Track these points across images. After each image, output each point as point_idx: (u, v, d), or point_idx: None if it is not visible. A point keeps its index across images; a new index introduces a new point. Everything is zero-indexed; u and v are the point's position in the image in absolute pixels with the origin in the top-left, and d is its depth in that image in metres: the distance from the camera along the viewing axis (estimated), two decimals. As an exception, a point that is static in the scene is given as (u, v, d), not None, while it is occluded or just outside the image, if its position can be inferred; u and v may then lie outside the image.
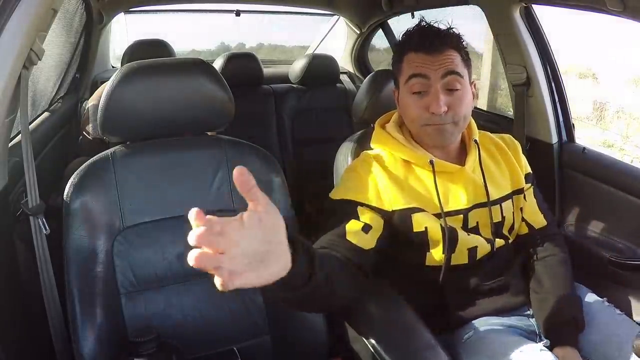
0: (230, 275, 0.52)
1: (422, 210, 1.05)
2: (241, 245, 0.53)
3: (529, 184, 1.20)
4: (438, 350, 0.92)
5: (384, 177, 1.07)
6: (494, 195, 1.11)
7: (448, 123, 1.05)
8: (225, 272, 0.52)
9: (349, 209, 1.03)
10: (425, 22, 1.09)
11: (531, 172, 1.22)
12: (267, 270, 0.58)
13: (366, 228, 1.01)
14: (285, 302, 0.86)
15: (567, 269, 1.14)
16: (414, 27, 1.10)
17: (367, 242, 1.00)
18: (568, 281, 1.11)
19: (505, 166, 1.17)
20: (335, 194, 1.09)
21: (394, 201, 1.05)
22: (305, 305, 0.91)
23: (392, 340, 0.95)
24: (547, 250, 1.16)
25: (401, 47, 1.10)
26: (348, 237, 0.98)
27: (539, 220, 1.19)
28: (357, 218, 1.01)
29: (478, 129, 1.18)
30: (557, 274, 1.12)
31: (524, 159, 1.22)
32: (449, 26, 1.09)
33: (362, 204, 1.03)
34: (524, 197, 1.17)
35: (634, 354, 0.80)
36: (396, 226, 1.05)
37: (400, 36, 1.12)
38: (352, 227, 1.00)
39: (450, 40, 1.06)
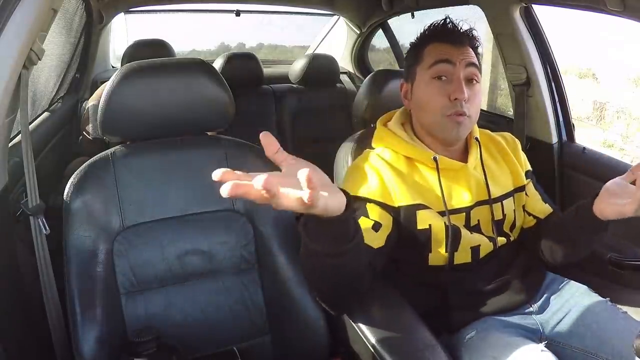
0: (314, 192, 0.59)
1: (427, 208, 1.05)
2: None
3: (529, 180, 1.20)
4: (438, 351, 0.91)
5: (390, 173, 1.07)
6: (496, 193, 1.11)
7: (466, 115, 1.06)
8: (311, 193, 0.58)
9: (357, 205, 1.03)
10: (450, 19, 1.12)
11: (531, 169, 1.22)
12: (333, 199, 0.67)
13: (376, 226, 1.01)
14: (326, 260, 0.81)
15: None
16: (439, 21, 1.13)
17: (377, 240, 1.00)
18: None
19: (505, 164, 1.18)
20: None
21: (400, 197, 1.05)
22: (340, 268, 0.84)
23: (392, 341, 0.95)
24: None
25: (423, 38, 1.13)
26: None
27: (544, 209, 1.18)
28: (367, 215, 1.01)
29: (478, 128, 1.18)
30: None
31: (523, 157, 1.22)
32: (470, 27, 1.12)
33: (370, 201, 1.03)
34: (526, 194, 1.18)
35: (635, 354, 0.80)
36: (401, 223, 1.05)
37: (423, 29, 1.14)
38: (362, 224, 0.98)
39: (470, 38, 1.11)
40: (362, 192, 1.05)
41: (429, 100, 1.08)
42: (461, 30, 1.10)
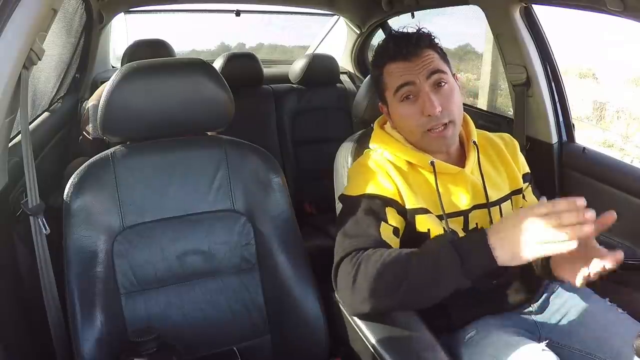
0: None
1: (427, 212, 1.05)
2: None
3: (527, 184, 1.20)
4: (438, 351, 0.91)
5: (396, 174, 1.07)
6: (493, 196, 1.11)
7: (447, 125, 1.05)
8: None
9: (375, 205, 1.03)
10: (394, 31, 1.11)
11: (529, 171, 1.22)
12: None
13: (396, 231, 1.02)
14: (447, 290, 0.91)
15: None
16: (385, 39, 1.11)
17: (397, 244, 1.02)
18: None
19: (503, 167, 1.17)
20: (352, 190, 1.08)
21: (406, 199, 1.05)
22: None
23: (392, 341, 0.95)
24: None
25: (378, 61, 1.11)
26: (385, 239, 0.99)
27: None
28: (387, 221, 1.02)
29: (477, 128, 1.18)
30: None
31: (522, 159, 1.22)
32: (417, 27, 1.10)
33: (388, 202, 1.03)
34: (524, 197, 1.17)
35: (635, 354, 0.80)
36: (406, 225, 1.05)
37: (374, 52, 1.13)
38: (385, 229, 1.01)
39: (423, 41, 1.07)
40: (379, 192, 1.04)
41: (406, 122, 1.09)
42: (410, 37, 1.07)
